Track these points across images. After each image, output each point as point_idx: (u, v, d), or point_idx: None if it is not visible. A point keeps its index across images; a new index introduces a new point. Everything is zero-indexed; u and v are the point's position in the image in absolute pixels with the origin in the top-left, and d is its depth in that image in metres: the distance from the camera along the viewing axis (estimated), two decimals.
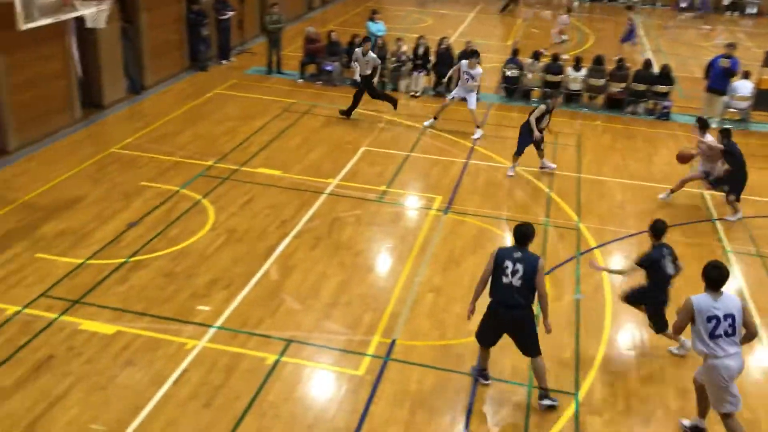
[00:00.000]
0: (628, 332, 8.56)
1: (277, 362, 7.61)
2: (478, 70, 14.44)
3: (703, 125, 11.60)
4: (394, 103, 15.20)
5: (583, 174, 12.99)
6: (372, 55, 14.72)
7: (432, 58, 17.11)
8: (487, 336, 7.19)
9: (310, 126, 14.62)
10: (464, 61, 14.54)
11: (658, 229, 7.97)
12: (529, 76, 16.82)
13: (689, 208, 11.90)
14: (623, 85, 16.40)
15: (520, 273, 6.73)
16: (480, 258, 9.92)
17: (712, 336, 6.29)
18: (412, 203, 11.56)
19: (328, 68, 17.31)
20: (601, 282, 9.55)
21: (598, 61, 16.57)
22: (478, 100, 14.89)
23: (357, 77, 14.76)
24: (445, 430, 6.88)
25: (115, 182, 11.50)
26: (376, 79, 15.09)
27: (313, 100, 16.21)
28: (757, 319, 8.11)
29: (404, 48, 17.22)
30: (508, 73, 16.90)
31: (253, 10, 21.20)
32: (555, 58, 16.69)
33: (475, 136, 14.31)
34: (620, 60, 16.61)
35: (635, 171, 13.30)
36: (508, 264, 6.77)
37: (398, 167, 12.81)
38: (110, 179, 11.67)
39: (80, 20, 11.05)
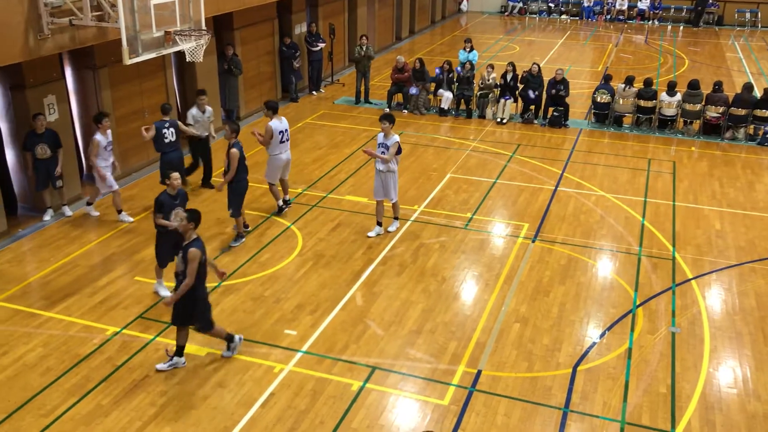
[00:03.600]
0: (729, 368, 8.11)
1: (361, 389, 7.63)
2: (395, 138, 10.77)
3: None
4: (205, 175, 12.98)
5: (678, 202, 12.50)
6: (210, 110, 12.46)
7: (519, 84, 16.99)
8: None
9: None
10: (380, 134, 10.89)
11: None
12: (621, 101, 16.42)
13: None
14: (721, 109, 15.75)
15: None
16: (570, 288, 9.67)
17: None
18: (498, 231, 11.42)
19: (413, 91, 17.49)
20: (699, 315, 9.11)
21: (693, 85, 16.00)
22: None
23: (198, 133, 12.35)
24: None
25: (211, 208, 11.92)
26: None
27: (400, 128, 16.37)
28: None
29: (493, 75, 17.17)
30: (599, 99, 16.55)
31: (342, 42, 21.71)
32: (648, 83, 16.23)
33: (392, 228, 11.28)
34: (718, 84, 15.97)
35: (734, 199, 12.69)
36: None
37: (484, 194, 12.71)
38: (206, 205, 12.10)
39: (180, 54, 11.62)
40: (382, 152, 10.69)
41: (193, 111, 12.26)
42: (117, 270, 9.99)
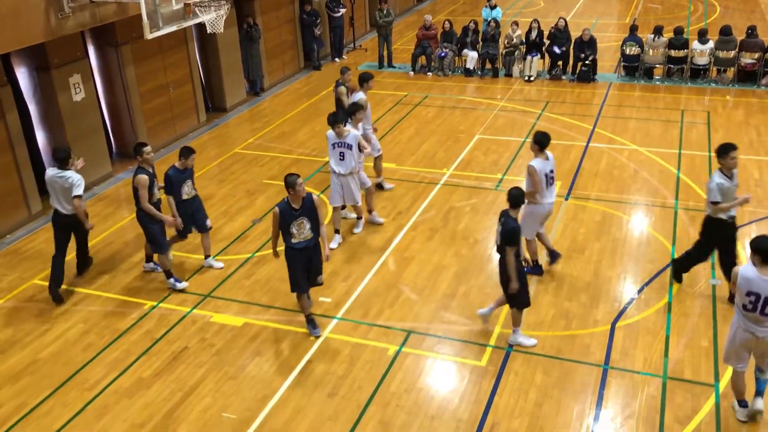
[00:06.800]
0: None
1: (398, 353, 7.63)
2: (353, 133, 9.50)
3: None
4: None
5: (714, 152, 12.15)
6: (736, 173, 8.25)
7: (546, 41, 16.63)
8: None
9: (422, 117, 14.58)
10: (330, 132, 9.51)
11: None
12: (651, 52, 15.98)
13: None
14: (756, 55, 15.24)
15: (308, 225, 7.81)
16: (605, 244, 9.52)
17: (745, 308, 6.12)
18: None
19: (442, 54, 17.23)
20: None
21: (726, 31, 15.47)
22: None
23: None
24: (572, 422, 6.64)
25: (239, 181, 11.94)
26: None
27: (425, 91, 16.17)
28: None
29: (518, 32, 16.82)
30: (628, 51, 16.13)
31: (363, 7, 21.42)
32: (678, 31, 15.74)
33: (332, 245, 9.66)
34: (752, 28, 15.43)
35: None
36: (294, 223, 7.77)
37: (514, 154, 12.52)
38: (234, 178, 12.13)
39: (201, 27, 11.53)
40: (341, 153, 9.45)
41: (717, 179, 8.01)
42: None
